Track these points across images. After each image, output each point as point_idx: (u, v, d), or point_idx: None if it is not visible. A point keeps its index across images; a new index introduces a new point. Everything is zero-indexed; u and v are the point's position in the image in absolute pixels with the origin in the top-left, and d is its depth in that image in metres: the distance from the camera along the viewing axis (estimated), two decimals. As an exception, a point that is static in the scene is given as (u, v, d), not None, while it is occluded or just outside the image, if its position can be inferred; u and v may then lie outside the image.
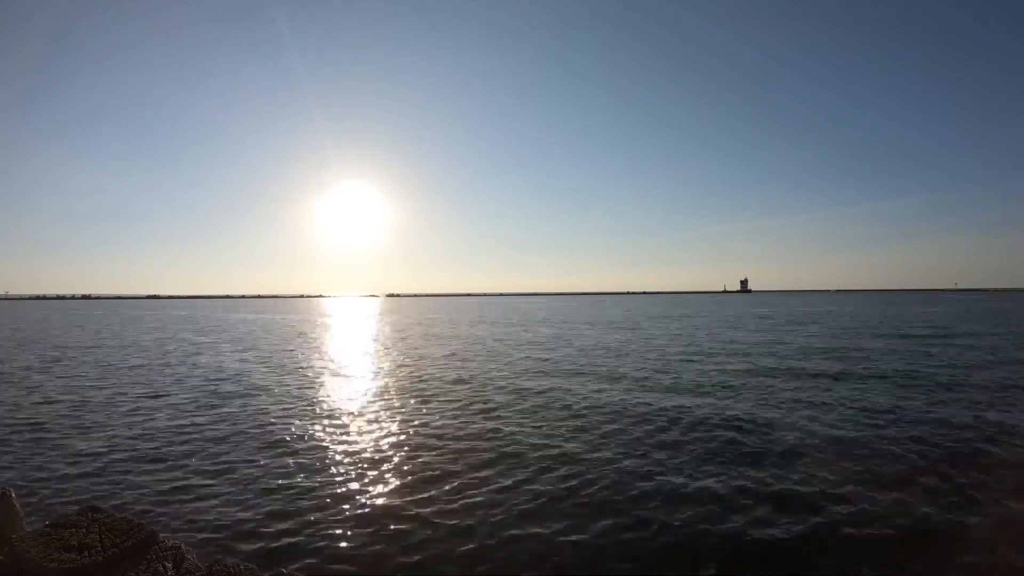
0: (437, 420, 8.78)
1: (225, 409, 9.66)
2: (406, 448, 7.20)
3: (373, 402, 10.41)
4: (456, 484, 5.82)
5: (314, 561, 4.23)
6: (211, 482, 5.92)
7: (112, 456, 6.87)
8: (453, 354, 18.49)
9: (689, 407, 9.46)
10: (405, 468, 6.38)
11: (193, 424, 8.56)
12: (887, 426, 8.07)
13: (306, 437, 7.76)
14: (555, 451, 7.00)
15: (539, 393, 11.02)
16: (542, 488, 5.70)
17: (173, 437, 7.78)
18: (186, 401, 10.43)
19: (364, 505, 5.29)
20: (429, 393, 11.19)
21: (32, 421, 8.78)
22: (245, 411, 9.49)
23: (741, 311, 53.00)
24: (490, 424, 8.47)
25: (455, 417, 8.99)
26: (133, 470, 6.34)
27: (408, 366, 15.63)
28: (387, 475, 6.15)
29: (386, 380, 13.11)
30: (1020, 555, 4.30)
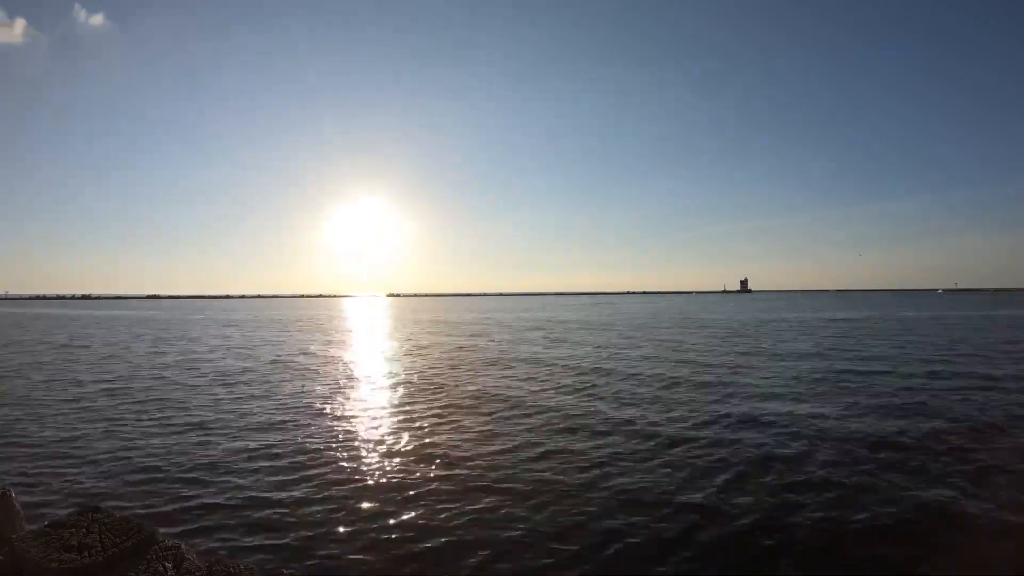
0: (453, 429, 8.78)
1: (227, 409, 9.66)
2: (421, 451, 7.19)
3: (390, 403, 10.40)
4: (471, 488, 5.82)
5: (315, 562, 4.23)
6: (212, 483, 5.92)
7: (113, 456, 6.87)
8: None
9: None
10: (417, 470, 6.37)
11: (195, 424, 8.56)
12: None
13: (315, 438, 7.75)
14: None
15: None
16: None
17: (174, 437, 7.77)
18: (189, 401, 10.42)
19: (368, 506, 5.29)
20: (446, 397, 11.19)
21: (34, 421, 8.78)
22: (248, 411, 9.48)
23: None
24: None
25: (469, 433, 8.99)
26: (134, 470, 6.34)
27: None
28: (397, 477, 6.14)
29: (400, 376, 13.12)
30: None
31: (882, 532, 4.66)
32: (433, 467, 6.42)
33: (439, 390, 11.48)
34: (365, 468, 6.42)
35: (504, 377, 13.27)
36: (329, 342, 24.05)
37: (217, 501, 5.39)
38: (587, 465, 6.30)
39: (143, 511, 5.12)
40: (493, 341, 23.78)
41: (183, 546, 2.80)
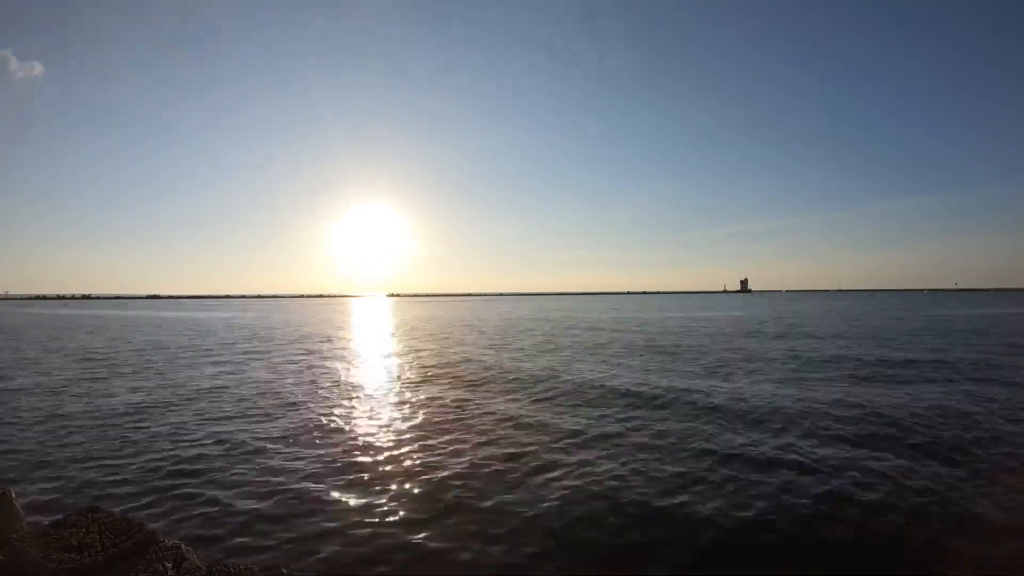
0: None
1: (227, 408, 9.66)
2: (418, 444, 7.19)
3: (385, 392, 10.40)
4: (472, 484, 5.82)
5: (315, 561, 4.23)
6: (211, 482, 5.91)
7: (113, 456, 6.87)
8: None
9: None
10: (416, 467, 6.37)
11: (194, 424, 8.55)
12: None
13: (315, 436, 7.75)
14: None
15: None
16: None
17: (174, 437, 7.77)
18: (188, 401, 10.42)
19: (368, 504, 5.29)
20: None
21: (34, 421, 8.78)
22: (248, 411, 9.48)
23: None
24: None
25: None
26: (134, 470, 6.34)
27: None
28: (397, 473, 6.14)
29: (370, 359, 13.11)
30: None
31: None
32: (439, 469, 6.41)
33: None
34: (367, 466, 6.41)
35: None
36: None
37: (217, 500, 5.38)
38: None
39: (143, 511, 5.11)
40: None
41: (183, 546, 2.81)
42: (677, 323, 35.62)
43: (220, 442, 7.49)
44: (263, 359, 17.17)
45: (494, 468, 6.32)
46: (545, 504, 5.24)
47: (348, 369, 14.85)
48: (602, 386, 11.56)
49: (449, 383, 12.30)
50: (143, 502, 5.37)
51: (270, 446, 7.29)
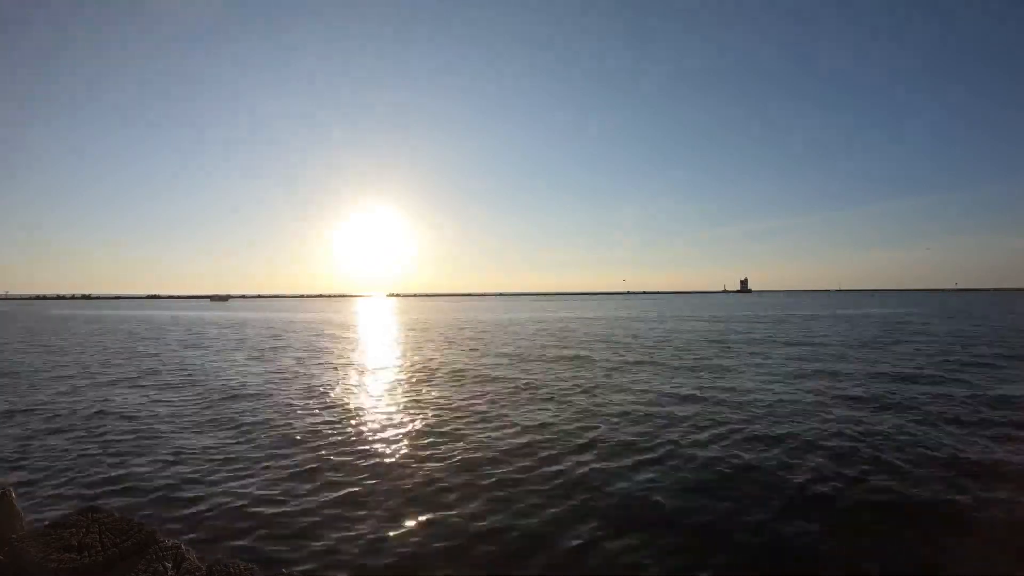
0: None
1: (228, 408, 9.64)
2: (420, 442, 7.18)
3: (382, 391, 10.40)
4: (478, 482, 5.82)
5: (315, 561, 4.22)
6: (212, 482, 5.90)
7: (113, 456, 6.86)
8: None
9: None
10: (419, 467, 6.36)
11: (195, 423, 8.54)
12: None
13: (316, 437, 7.74)
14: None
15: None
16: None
17: (175, 436, 7.76)
18: (189, 399, 10.41)
19: (368, 504, 5.28)
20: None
21: (36, 420, 8.77)
22: (249, 410, 9.47)
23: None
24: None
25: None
26: (133, 470, 6.33)
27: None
28: (398, 471, 6.14)
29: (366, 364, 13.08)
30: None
31: None
32: (444, 468, 6.40)
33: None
34: (368, 465, 6.40)
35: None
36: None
37: (218, 500, 5.37)
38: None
39: (143, 511, 5.11)
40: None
41: (183, 546, 2.80)
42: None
43: (222, 441, 7.49)
44: (267, 360, 17.17)
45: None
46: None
47: (372, 376, 14.85)
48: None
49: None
50: (143, 502, 5.36)
51: (273, 447, 7.29)
